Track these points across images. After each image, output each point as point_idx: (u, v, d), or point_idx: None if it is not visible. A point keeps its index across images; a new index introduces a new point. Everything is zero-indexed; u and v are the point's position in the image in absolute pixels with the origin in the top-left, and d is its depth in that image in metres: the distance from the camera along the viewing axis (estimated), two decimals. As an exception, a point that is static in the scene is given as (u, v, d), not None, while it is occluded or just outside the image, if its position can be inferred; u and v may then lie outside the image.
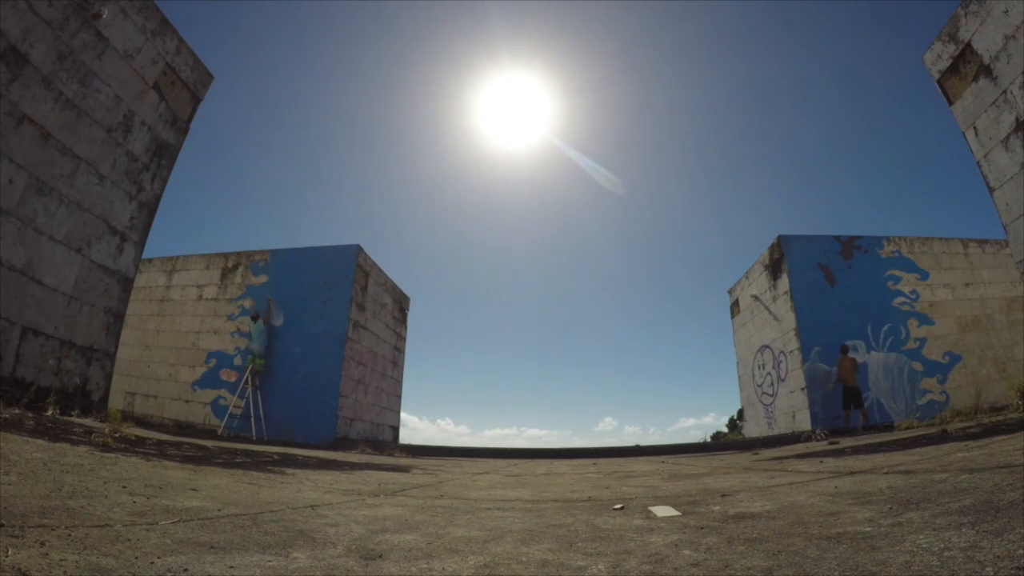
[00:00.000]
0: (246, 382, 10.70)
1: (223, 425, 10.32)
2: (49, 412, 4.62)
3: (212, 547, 1.45)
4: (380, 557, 1.51)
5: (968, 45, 6.41)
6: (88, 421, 5.08)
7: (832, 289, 11.36)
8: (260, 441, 9.12)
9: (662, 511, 2.27)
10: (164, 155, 7.38)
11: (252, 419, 10.31)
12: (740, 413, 16.86)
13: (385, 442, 11.68)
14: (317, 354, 11.29)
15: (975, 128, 6.49)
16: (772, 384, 12.49)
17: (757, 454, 6.83)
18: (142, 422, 8.00)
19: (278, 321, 11.48)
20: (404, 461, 7.11)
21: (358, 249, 12.23)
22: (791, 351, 11.42)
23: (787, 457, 5.49)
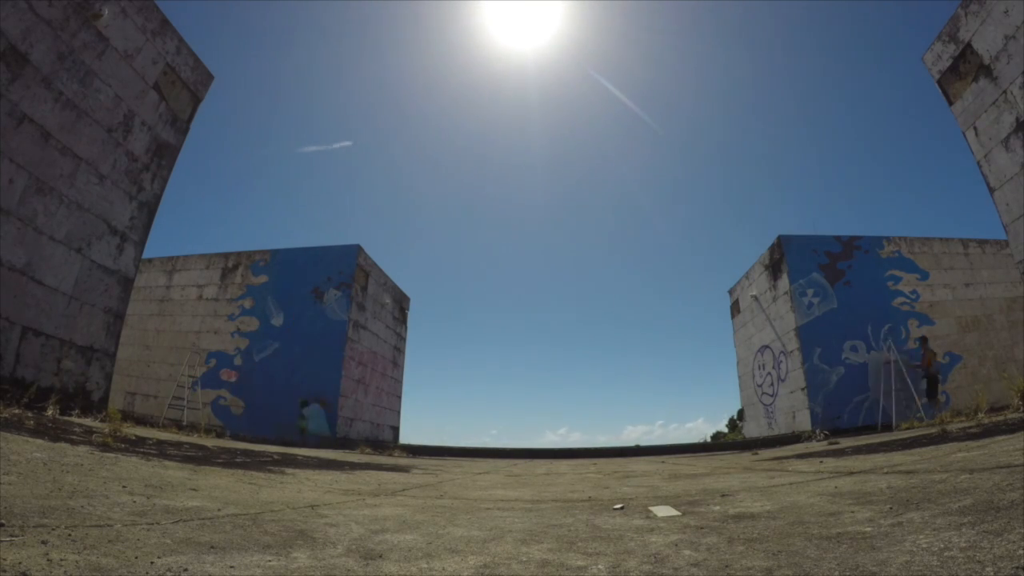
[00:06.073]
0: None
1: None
2: (49, 412, 4.62)
3: (212, 547, 1.45)
4: (380, 557, 1.51)
5: (968, 45, 6.41)
6: (88, 421, 5.08)
7: (832, 289, 11.36)
8: (262, 440, 9.11)
9: (662, 511, 2.27)
10: (164, 155, 7.38)
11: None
12: (740, 413, 16.87)
13: (385, 442, 11.68)
14: (317, 354, 11.31)
15: (975, 128, 6.49)
16: (772, 384, 12.49)
17: (757, 454, 6.83)
18: (142, 422, 8.01)
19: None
20: (404, 461, 7.11)
21: (358, 249, 12.24)
22: (791, 351, 11.43)
23: (787, 457, 5.49)
